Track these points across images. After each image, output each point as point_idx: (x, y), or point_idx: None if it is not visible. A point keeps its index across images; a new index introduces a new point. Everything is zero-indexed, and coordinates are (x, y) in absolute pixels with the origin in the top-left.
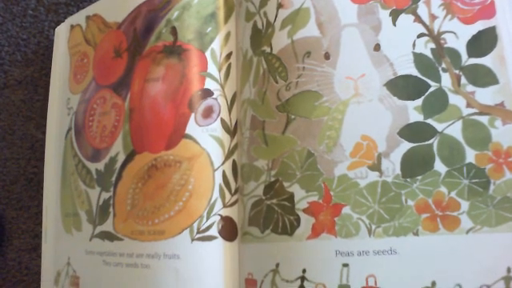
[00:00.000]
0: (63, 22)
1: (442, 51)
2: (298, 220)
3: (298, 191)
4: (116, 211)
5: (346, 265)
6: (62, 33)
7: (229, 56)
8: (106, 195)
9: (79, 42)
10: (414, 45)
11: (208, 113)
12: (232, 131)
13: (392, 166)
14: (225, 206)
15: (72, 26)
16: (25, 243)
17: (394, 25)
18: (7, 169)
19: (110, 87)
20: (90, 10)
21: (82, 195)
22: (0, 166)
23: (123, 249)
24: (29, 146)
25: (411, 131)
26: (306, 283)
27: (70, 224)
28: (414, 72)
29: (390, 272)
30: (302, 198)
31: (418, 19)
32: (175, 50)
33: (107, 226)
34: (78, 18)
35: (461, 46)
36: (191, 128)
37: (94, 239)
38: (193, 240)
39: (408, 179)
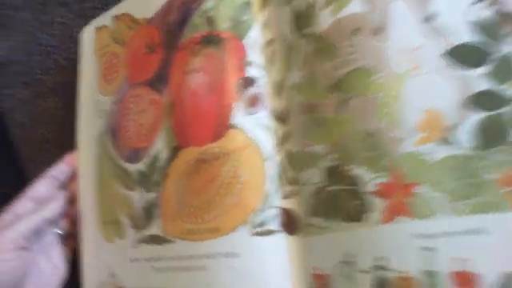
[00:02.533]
0: None
1: (503, 15)
2: (368, 204)
3: (363, 173)
4: (163, 212)
5: (428, 248)
6: (87, 37)
7: (270, 42)
8: (149, 196)
9: (107, 42)
10: (469, 11)
11: (253, 101)
12: (281, 119)
13: (463, 138)
14: (284, 197)
15: (97, 29)
16: None
17: None
18: None
19: (145, 84)
20: (116, 10)
21: (122, 199)
22: (38, 175)
23: (173, 252)
24: (65, 152)
25: (481, 100)
26: (385, 272)
27: (111, 232)
28: (475, 38)
29: (481, 253)
30: (369, 180)
31: None
32: (213, 40)
33: (154, 229)
34: (104, 19)
35: None
36: (237, 117)
37: (140, 245)
38: (251, 235)
39: (484, 151)
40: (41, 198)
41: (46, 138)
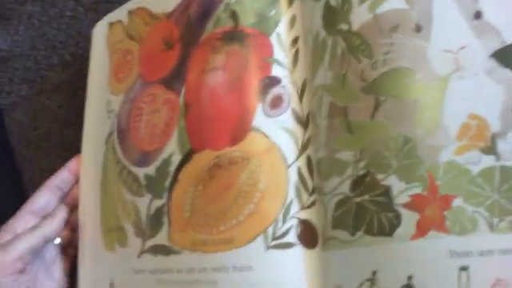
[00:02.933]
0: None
1: None
2: (399, 217)
3: (395, 183)
4: (172, 220)
5: (464, 268)
6: (99, 32)
7: (295, 41)
8: (158, 202)
9: (120, 38)
10: None
11: (277, 102)
12: (305, 122)
13: (510, 147)
14: (303, 207)
15: (111, 24)
16: None
17: None
18: (45, 179)
19: (160, 82)
20: (132, 4)
21: (128, 205)
22: (37, 177)
23: (182, 263)
24: (67, 154)
25: None
26: None
27: (112, 240)
28: None
29: None
30: (402, 190)
31: None
32: (236, 36)
33: (161, 239)
34: (119, 14)
35: None
36: (259, 120)
37: (144, 255)
38: (268, 248)
39: None
40: (42, 211)
41: (48, 138)
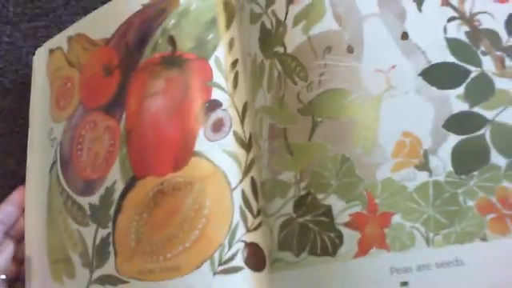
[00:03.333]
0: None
1: (477, 33)
2: (341, 237)
3: (335, 203)
4: (118, 249)
5: (404, 283)
6: (39, 59)
7: (235, 63)
8: (103, 232)
9: (61, 65)
10: (445, 30)
11: (218, 126)
12: (247, 145)
13: (442, 163)
14: (248, 230)
15: (51, 50)
16: None
17: (420, 10)
18: None
19: (100, 109)
20: (71, 30)
21: (74, 236)
22: None
23: None
24: (10, 184)
25: (458, 122)
26: None
27: (59, 271)
28: (450, 58)
29: (458, 287)
30: (342, 210)
31: (446, 2)
32: (175, 61)
33: (108, 269)
34: (58, 40)
35: (499, 26)
36: (201, 144)
37: (93, 286)
38: (215, 273)
39: (463, 176)
40: None
41: None
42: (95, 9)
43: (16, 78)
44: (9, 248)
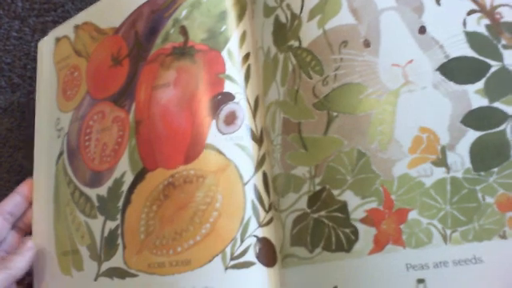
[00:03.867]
0: None
1: (499, 27)
2: (356, 232)
3: (351, 199)
4: (126, 242)
5: (421, 280)
6: (45, 48)
7: (247, 57)
8: (112, 224)
9: (67, 54)
10: (464, 23)
11: (231, 119)
12: (259, 139)
13: (460, 159)
14: (260, 225)
15: (57, 39)
16: None
17: (438, 4)
18: None
19: (109, 99)
20: (78, 18)
21: (82, 228)
22: None
23: (138, 287)
24: (18, 178)
25: (476, 118)
26: None
27: (68, 264)
28: (469, 52)
29: (476, 285)
30: (358, 206)
31: None
32: (187, 52)
33: (116, 261)
34: (65, 29)
35: None
36: (213, 137)
37: (101, 278)
38: (227, 268)
39: (482, 173)
40: None
41: None
42: None
43: (24, 72)
44: (31, 251)
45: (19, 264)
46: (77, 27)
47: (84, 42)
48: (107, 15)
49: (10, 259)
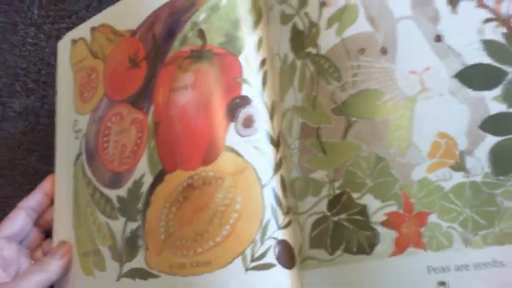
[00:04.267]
0: None
1: None
2: (377, 235)
3: (371, 202)
4: (148, 243)
5: (442, 283)
6: (62, 50)
7: (263, 62)
8: (133, 225)
9: (84, 56)
10: (480, 31)
11: (249, 122)
12: (276, 143)
13: (479, 163)
14: (279, 227)
15: (74, 41)
16: None
17: (454, 13)
18: (9, 207)
19: (126, 101)
20: (94, 20)
21: (103, 229)
22: (1, 205)
23: (161, 287)
24: (31, 181)
25: (495, 123)
26: None
27: (89, 264)
28: (486, 60)
29: None
30: (378, 209)
31: (482, 4)
32: (205, 55)
33: (138, 262)
34: (81, 31)
35: None
36: (232, 139)
37: (123, 279)
38: (247, 269)
39: (501, 177)
40: (18, 236)
41: (12, 166)
42: None
43: (39, 78)
44: (68, 256)
45: (57, 268)
46: (93, 29)
47: (100, 44)
48: (124, 17)
49: (49, 262)
